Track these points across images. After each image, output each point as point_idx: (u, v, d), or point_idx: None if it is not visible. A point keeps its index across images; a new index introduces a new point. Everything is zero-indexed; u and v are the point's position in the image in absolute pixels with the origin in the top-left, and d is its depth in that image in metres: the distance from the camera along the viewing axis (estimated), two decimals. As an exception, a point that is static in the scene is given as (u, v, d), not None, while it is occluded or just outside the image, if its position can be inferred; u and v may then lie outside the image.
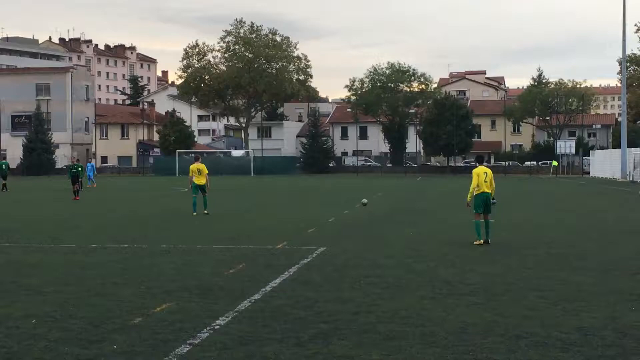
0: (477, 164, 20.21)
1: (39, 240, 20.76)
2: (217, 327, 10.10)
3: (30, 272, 14.91)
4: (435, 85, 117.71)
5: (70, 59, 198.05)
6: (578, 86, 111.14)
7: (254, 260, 16.46)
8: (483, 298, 12.13)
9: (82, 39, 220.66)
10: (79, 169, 43.47)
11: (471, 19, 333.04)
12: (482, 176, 19.47)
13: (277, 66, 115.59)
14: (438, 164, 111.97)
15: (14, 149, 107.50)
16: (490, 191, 19.50)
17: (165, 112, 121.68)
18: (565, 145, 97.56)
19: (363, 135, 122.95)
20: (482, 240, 19.19)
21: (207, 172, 29.93)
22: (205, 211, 29.30)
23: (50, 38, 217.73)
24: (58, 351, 8.95)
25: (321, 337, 9.57)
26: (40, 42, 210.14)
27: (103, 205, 37.66)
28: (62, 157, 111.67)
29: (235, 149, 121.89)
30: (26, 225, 26.19)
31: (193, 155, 32.28)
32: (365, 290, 12.81)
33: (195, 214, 29.23)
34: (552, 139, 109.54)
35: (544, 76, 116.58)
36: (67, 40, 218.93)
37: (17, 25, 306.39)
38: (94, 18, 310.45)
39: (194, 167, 29.93)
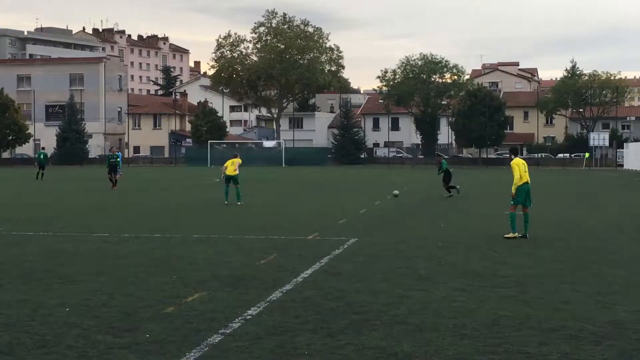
0: (513, 156, 19.86)
1: (72, 229, 20.92)
2: (249, 317, 10.13)
3: (63, 261, 15.02)
4: (467, 77, 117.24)
5: (103, 49, 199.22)
6: (612, 78, 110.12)
7: (286, 251, 16.49)
8: (515, 290, 12.08)
9: (115, 29, 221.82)
10: (117, 158, 43.86)
11: (504, 10, 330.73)
12: (522, 167, 19.20)
13: (309, 57, 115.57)
14: (470, 156, 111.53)
15: (48, 139, 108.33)
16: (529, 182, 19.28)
17: (198, 103, 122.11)
18: (599, 138, 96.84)
19: (395, 126, 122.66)
20: (517, 234, 18.93)
21: (240, 162, 30.75)
22: (239, 202, 29.56)
23: (83, 28, 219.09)
24: (91, 339, 9.02)
25: (352, 328, 9.57)
26: (74, 32, 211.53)
27: (135, 194, 37.87)
28: (95, 147, 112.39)
29: (267, 139, 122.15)
30: (59, 214, 26.40)
31: (233, 153, 33.13)
32: (396, 282, 12.79)
33: (227, 203, 29.64)
34: (585, 131, 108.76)
35: (577, 67, 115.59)
36: (100, 30, 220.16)
37: (51, 16, 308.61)
38: (127, 8, 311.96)
39: (229, 161, 30.80)
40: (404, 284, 12.57)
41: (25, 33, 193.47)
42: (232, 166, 30.45)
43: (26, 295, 11.54)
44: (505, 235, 18.88)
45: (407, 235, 19.82)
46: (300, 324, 9.79)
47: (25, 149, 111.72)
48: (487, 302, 11.18)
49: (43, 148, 63.61)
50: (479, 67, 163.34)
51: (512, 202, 19.17)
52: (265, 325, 9.65)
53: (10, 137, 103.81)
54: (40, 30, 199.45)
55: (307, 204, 31.78)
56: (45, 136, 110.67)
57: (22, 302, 10.99)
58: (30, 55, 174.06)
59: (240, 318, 10.03)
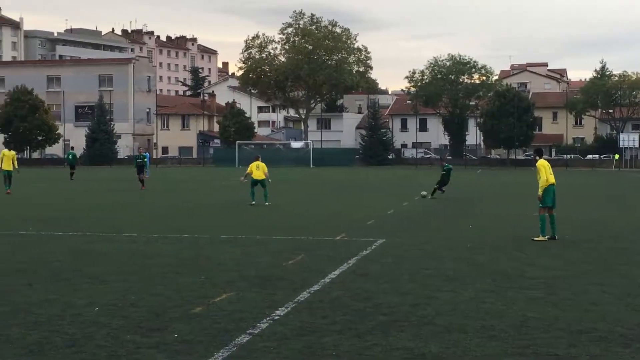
0: (538, 157, 19.71)
1: (101, 229, 21.03)
2: (277, 317, 10.14)
3: (92, 261, 15.12)
4: (496, 77, 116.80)
5: (132, 50, 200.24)
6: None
7: (313, 252, 16.49)
8: (543, 292, 12.02)
9: (144, 30, 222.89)
10: (144, 159, 44.01)
11: (532, 10, 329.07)
12: (548, 168, 19.01)
13: (337, 58, 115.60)
14: (498, 157, 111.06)
15: (77, 139, 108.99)
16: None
17: (226, 103, 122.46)
18: (629, 139, 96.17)
19: (423, 127, 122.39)
20: (546, 237, 18.74)
21: (266, 170, 30.55)
22: (267, 203, 29.59)
23: (112, 30, 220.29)
24: (120, 339, 9.07)
25: (380, 329, 9.57)
26: (103, 33, 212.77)
27: (164, 195, 38.02)
28: (124, 148, 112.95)
29: (295, 140, 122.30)
30: (88, 214, 26.55)
31: (254, 156, 33.10)
32: (424, 283, 12.77)
33: (253, 203, 29.63)
34: (615, 132, 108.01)
35: (607, 68, 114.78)
36: (129, 31, 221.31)
37: (81, 17, 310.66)
38: (156, 10, 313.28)
39: (253, 164, 30.67)
40: (432, 285, 12.54)
41: (55, 34, 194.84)
42: (257, 170, 30.45)
43: (55, 294, 11.62)
44: (535, 238, 18.68)
45: (435, 236, 19.78)
46: (328, 324, 9.80)
47: (55, 150, 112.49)
48: (515, 303, 11.14)
49: (72, 148, 64.18)
50: (508, 68, 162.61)
51: (540, 205, 18.94)
52: (293, 326, 9.67)
53: (40, 138, 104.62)
54: (70, 31, 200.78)
55: (335, 204, 31.78)
56: (74, 137, 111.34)
57: (52, 302, 11.06)
58: (60, 56, 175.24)
59: (268, 318, 10.06)
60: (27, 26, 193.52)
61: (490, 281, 12.94)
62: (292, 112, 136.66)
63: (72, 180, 52.08)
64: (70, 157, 56.99)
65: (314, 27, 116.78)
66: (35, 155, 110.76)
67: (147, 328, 9.58)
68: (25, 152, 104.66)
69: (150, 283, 12.64)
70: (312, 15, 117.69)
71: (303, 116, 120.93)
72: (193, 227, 21.84)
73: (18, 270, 13.89)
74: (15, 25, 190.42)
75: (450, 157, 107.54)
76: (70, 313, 10.38)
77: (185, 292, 11.87)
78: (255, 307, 10.76)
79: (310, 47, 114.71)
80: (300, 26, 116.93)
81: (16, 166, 37.73)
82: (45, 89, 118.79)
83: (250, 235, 19.68)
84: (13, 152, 38.91)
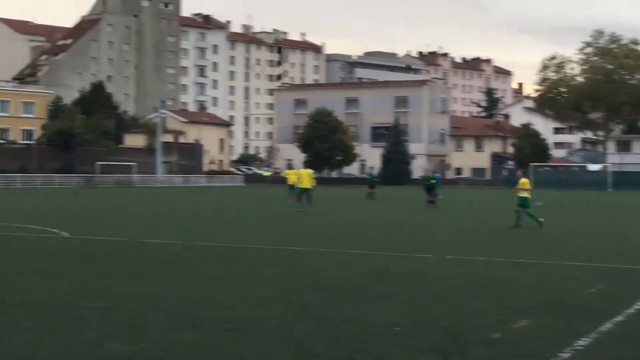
0: None
1: (396, 249, 21.29)
2: (578, 347, 9.77)
3: (388, 280, 15.30)
4: None
5: (427, 72, 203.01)
6: None
7: (616, 280, 15.81)
8: None
9: (439, 52, 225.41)
10: (434, 180, 44.29)
11: None
12: None
13: (639, 77, 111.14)
14: None
15: (373, 159, 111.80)
16: None
17: (520, 125, 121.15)
18: None
19: None
20: None
21: None
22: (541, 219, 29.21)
23: (408, 52, 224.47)
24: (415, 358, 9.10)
25: (691, 366, 8.99)
26: (399, 56, 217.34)
27: (458, 216, 38.05)
28: (418, 168, 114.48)
29: (592, 163, 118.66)
30: (383, 234, 27.05)
31: (517, 170, 32.92)
32: None
33: (542, 220, 29.15)
34: None
35: None
36: (424, 53, 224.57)
37: (378, 40, 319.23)
38: (451, 32, 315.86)
39: (525, 181, 30.62)
40: None
41: (354, 57, 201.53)
42: (524, 190, 30.20)
43: (355, 312, 11.82)
44: None
45: None
46: (634, 357, 9.34)
47: (352, 169, 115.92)
48: None
49: (371, 168, 66.30)
50: None
51: None
52: (597, 357, 9.29)
53: (339, 158, 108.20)
54: (368, 54, 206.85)
55: (636, 230, 30.40)
56: (370, 157, 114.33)
57: (353, 319, 11.26)
58: (359, 78, 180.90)
59: (569, 348, 9.70)
60: (328, 50, 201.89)
61: None
62: (589, 134, 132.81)
63: (372, 200, 53.19)
64: (368, 176, 58.69)
65: (614, 45, 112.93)
66: (334, 174, 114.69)
67: (445, 350, 9.53)
68: (323, 171, 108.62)
69: (445, 305, 12.60)
70: (612, 33, 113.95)
71: (601, 138, 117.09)
72: (488, 250, 21.63)
73: (322, 287, 14.33)
74: (317, 50, 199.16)
75: None
76: (370, 332, 10.52)
77: (481, 315, 11.73)
78: (554, 335, 10.43)
79: (610, 67, 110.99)
80: (600, 45, 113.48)
81: (315, 184, 39.27)
82: (343, 110, 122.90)
83: (544, 260, 19.15)
84: (310, 171, 40.51)
